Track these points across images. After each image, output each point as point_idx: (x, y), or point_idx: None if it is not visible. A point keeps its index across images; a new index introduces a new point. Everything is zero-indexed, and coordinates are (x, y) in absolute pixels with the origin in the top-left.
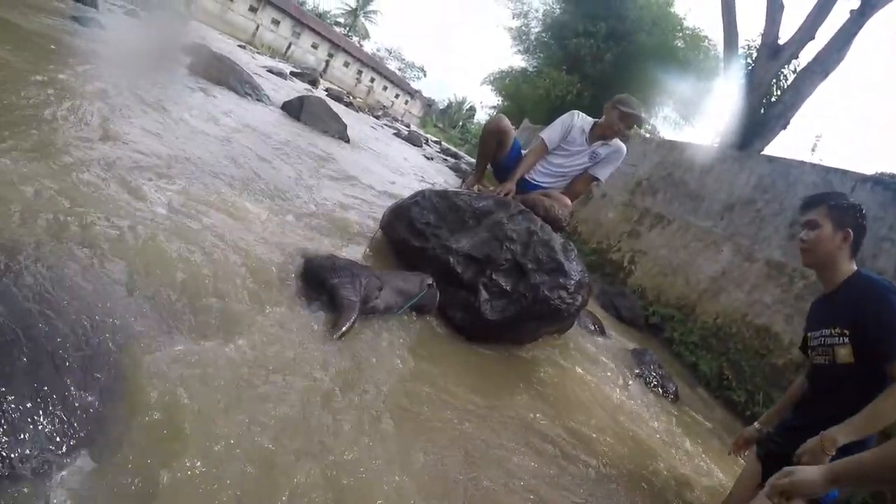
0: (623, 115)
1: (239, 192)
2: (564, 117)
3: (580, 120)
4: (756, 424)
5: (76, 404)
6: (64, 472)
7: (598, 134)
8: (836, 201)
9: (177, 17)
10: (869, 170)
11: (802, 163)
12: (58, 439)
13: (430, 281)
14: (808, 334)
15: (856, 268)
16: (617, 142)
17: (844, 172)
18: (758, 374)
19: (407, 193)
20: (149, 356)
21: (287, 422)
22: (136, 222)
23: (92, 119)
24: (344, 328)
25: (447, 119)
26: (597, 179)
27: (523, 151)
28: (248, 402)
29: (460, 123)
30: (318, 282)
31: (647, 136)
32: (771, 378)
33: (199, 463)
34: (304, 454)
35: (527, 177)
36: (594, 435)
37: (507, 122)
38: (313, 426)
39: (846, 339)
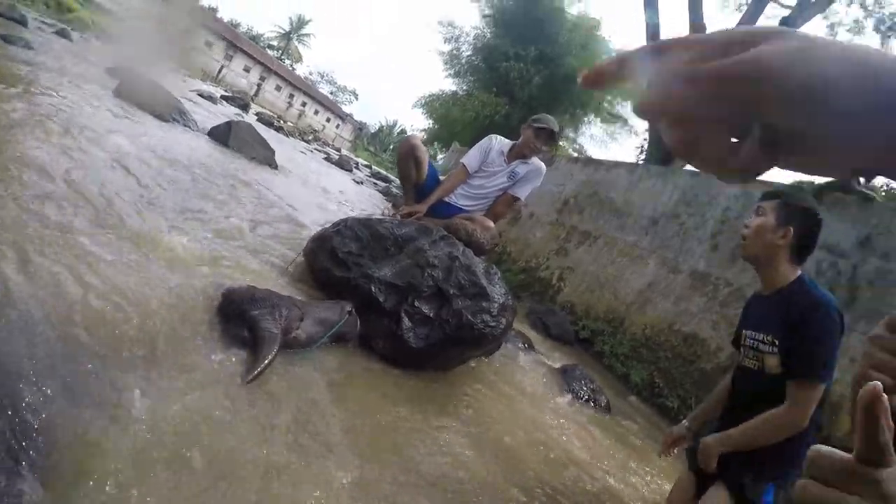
0: (537, 132)
1: (154, 222)
2: (482, 141)
3: (497, 143)
4: (685, 422)
5: None
6: None
7: (517, 154)
8: (792, 200)
9: (107, 39)
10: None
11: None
12: None
13: (349, 308)
14: (743, 332)
15: (799, 274)
16: (535, 160)
17: (764, 182)
18: (687, 380)
19: (333, 220)
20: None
21: (206, 475)
22: (31, 256)
23: None
24: (263, 364)
25: (378, 142)
26: (517, 199)
27: (441, 176)
28: (160, 467)
29: (391, 146)
30: (238, 314)
31: (574, 155)
32: (701, 383)
33: None
34: None
35: (448, 200)
36: (525, 453)
37: (417, 140)
38: (234, 479)
39: (776, 350)
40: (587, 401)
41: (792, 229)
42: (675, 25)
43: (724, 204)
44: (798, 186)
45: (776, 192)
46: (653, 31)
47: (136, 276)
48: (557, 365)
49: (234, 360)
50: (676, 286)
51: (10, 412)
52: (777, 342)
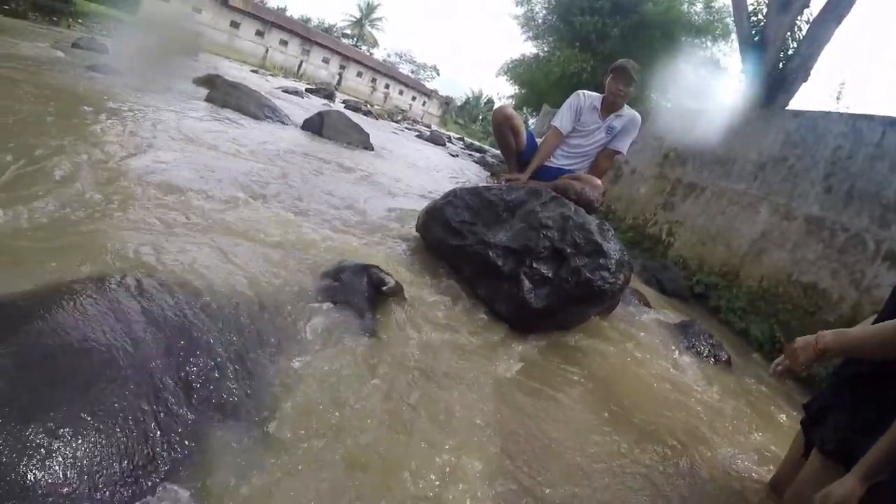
0: (615, 76)
1: (275, 210)
2: (570, 99)
3: (587, 99)
4: None
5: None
6: None
7: (608, 107)
8: None
9: (186, 52)
10: None
11: (829, 113)
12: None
13: None
14: None
15: None
16: (629, 111)
17: (872, 118)
18: (809, 333)
19: (438, 194)
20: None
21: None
22: (174, 241)
23: (127, 159)
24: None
25: (466, 114)
26: (619, 152)
27: (537, 139)
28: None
29: (480, 117)
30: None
31: (669, 106)
32: None
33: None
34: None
35: (549, 163)
36: (648, 412)
37: (510, 109)
38: (372, 429)
39: None
40: (707, 356)
41: None
42: None
43: (833, 143)
44: None
45: None
46: None
47: (269, 255)
48: (675, 321)
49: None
50: (791, 234)
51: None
52: None
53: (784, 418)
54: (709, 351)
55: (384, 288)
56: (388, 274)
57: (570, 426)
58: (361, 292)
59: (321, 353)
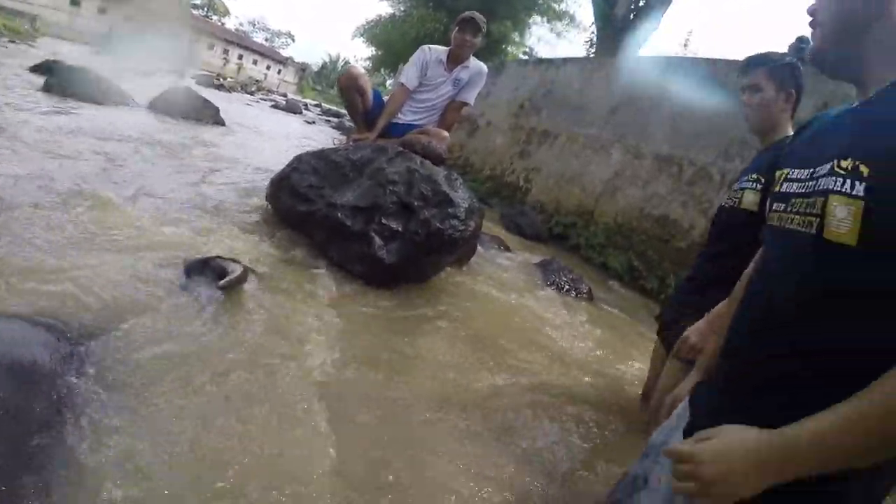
0: (461, 27)
1: (115, 208)
2: (416, 55)
3: (432, 53)
4: None
5: None
6: None
7: (455, 59)
8: (778, 63)
9: (20, 38)
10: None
11: (675, 58)
12: None
13: None
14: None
15: (792, 132)
16: (476, 62)
17: (716, 62)
18: (665, 259)
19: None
20: None
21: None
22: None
23: None
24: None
25: (324, 80)
26: (466, 104)
27: (385, 97)
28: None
29: None
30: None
31: (525, 58)
32: (678, 261)
33: None
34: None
35: (398, 120)
36: (515, 349)
37: (356, 69)
38: (226, 404)
39: (759, 187)
40: (568, 291)
41: (793, 91)
42: None
43: (679, 86)
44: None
45: (754, 60)
46: None
47: (106, 263)
48: (535, 261)
49: (202, 302)
50: (642, 171)
51: None
52: (763, 180)
53: (645, 339)
54: (569, 285)
55: (224, 280)
56: (233, 261)
57: (436, 370)
58: (205, 288)
59: (156, 363)
